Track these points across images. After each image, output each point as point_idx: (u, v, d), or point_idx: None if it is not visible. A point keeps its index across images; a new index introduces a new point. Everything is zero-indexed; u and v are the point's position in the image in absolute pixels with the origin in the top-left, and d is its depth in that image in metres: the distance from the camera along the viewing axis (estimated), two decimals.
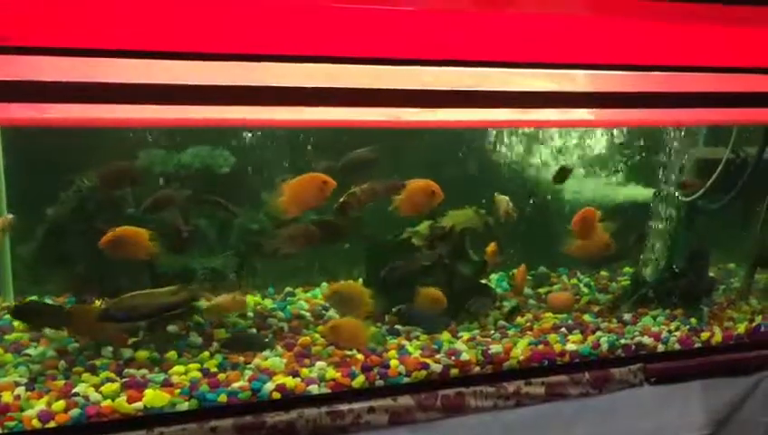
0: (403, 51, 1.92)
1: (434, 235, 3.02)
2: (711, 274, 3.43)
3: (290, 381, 2.36)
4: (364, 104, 2.22)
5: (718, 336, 2.96)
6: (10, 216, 2.67)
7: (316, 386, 2.38)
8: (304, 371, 2.44)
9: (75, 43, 1.68)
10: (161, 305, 2.48)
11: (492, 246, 3.02)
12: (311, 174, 2.61)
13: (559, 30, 2.03)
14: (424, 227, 3.05)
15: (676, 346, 2.89)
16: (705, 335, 2.95)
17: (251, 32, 1.78)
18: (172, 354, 2.50)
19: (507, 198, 3.05)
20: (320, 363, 2.49)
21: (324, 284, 3.31)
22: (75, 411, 2.14)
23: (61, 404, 2.16)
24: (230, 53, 1.80)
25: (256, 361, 2.50)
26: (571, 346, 2.75)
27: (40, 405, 2.15)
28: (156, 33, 1.73)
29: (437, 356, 2.60)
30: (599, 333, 2.89)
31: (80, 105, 2.03)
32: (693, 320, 3.08)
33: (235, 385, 2.32)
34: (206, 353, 2.52)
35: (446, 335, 2.81)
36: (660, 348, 2.86)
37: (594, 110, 2.76)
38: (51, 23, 1.66)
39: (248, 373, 2.40)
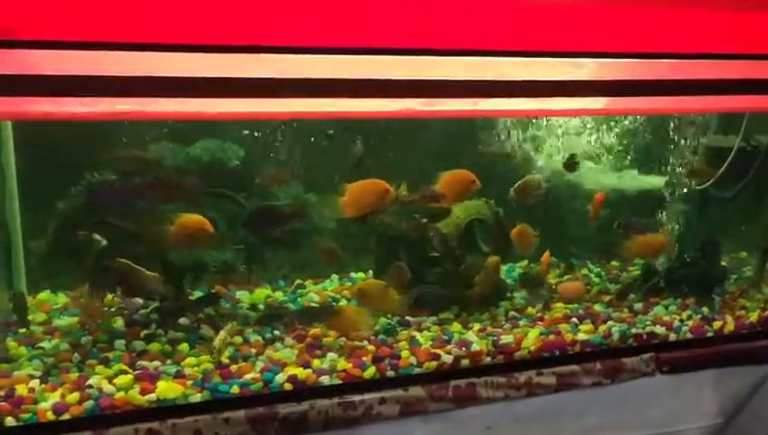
0: (411, 41, 1.92)
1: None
2: (723, 262, 3.41)
3: (301, 373, 2.37)
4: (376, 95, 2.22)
5: (730, 325, 2.95)
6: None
7: (327, 377, 2.39)
8: (316, 362, 2.45)
9: (82, 36, 1.69)
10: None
11: (519, 229, 2.99)
12: (374, 179, 2.61)
13: (567, 18, 2.02)
14: None
15: (688, 335, 2.88)
16: (717, 324, 2.94)
17: (260, 24, 1.78)
18: (184, 346, 2.51)
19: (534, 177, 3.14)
20: (331, 354, 2.50)
21: (335, 275, 3.32)
22: (89, 404, 2.16)
23: (75, 396, 2.17)
24: (239, 45, 1.80)
25: (268, 352, 2.51)
26: (582, 336, 2.75)
27: (54, 397, 2.17)
28: (163, 25, 1.74)
29: (448, 347, 2.60)
30: (610, 323, 2.88)
31: (87, 99, 2.04)
32: (705, 309, 3.06)
33: (248, 377, 2.33)
34: None
35: (456, 326, 2.82)
36: (672, 337, 2.85)
37: (603, 98, 2.74)
38: (57, 16, 1.66)
39: (260, 365, 2.42)
